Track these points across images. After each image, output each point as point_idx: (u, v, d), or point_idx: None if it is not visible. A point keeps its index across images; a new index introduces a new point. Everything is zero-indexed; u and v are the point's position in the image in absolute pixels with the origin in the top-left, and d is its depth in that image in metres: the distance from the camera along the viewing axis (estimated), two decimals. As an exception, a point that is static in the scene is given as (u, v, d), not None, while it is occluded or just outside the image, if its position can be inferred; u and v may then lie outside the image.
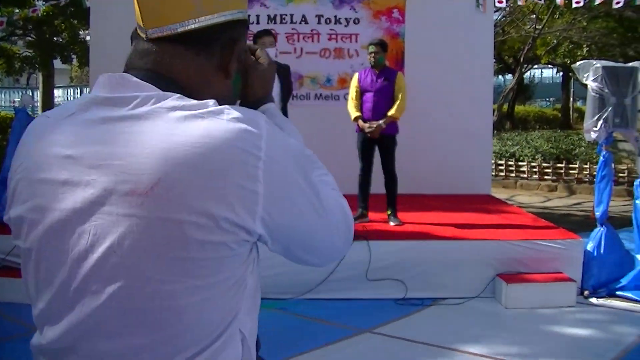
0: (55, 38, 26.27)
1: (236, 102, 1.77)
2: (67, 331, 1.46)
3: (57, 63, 27.98)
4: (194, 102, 1.47)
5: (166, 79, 1.54)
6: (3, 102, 40.16)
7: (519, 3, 16.04)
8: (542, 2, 12.91)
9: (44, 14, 21.67)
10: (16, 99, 36.79)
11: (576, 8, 17.75)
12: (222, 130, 1.41)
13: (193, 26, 1.54)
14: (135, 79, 1.51)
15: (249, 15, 8.98)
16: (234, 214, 1.40)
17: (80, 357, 1.47)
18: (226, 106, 1.47)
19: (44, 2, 17.16)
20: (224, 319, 1.49)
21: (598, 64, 8.17)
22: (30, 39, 26.49)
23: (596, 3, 13.57)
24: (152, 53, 1.56)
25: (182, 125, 1.41)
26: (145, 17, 1.56)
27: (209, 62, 1.60)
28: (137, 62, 1.57)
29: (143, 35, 1.58)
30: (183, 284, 1.41)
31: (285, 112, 8.57)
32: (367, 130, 8.64)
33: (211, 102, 1.47)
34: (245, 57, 1.81)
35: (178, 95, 1.48)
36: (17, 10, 22.60)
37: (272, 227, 1.47)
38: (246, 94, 1.86)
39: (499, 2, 12.91)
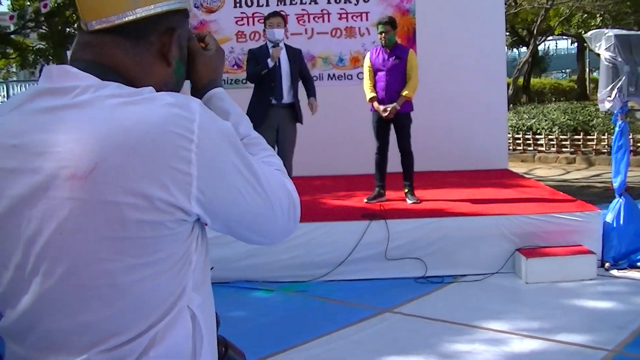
0: (67, 29, 26.35)
1: (180, 88, 1.80)
2: (25, 312, 1.52)
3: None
4: (131, 89, 1.54)
5: (107, 69, 1.59)
6: (20, 95, 40.27)
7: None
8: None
9: (55, 5, 21.72)
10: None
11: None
12: (155, 115, 1.47)
13: (130, 18, 1.59)
14: (75, 69, 1.56)
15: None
16: (168, 194, 1.46)
17: (38, 337, 1.53)
18: (162, 92, 1.54)
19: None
20: (169, 296, 1.54)
21: (610, 32, 8.09)
22: (42, 31, 26.57)
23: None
24: (92, 45, 1.61)
25: (118, 111, 1.47)
26: (85, 10, 1.60)
27: (149, 51, 1.65)
28: (79, 54, 1.62)
29: (84, 28, 1.62)
30: (124, 262, 1.47)
31: (295, 92, 8.52)
32: (382, 113, 8.61)
33: (147, 89, 1.54)
34: (189, 44, 1.85)
35: (117, 84, 1.55)
36: (28, 4, 22.67)
37: (209, 206, 1.54)
38: (193, 80, 1.90)
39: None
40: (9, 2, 26.43)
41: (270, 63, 8.25)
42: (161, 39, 1.66)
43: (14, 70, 41.51)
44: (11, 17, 19.05)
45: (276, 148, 8.34)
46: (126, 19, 1.59)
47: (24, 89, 39.81)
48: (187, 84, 1.89)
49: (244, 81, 9.89)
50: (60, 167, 1.45)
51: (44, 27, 26.15)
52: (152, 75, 1.66)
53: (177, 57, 1.73)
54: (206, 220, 1.57)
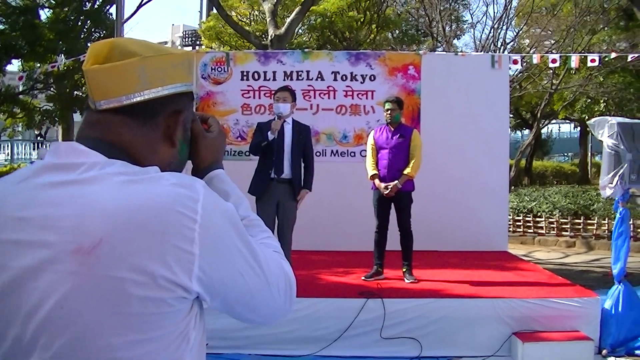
0: (75, 92, 26.55)
1: (183, 168, 1.85)
2: None
3: (77, 116, 28.28)
4: (137, 168, 1.60)
5: (113, 147, 1.63)
6: (24, 154, 40.55)
7: (535, 61, 16.08)
8: (558, 58, 12.82)
9: (65, 68, 21.92)
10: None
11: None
12: (161, 195, 1.51)
13: (138, 99, 1.65)
14: (82, 147, 1.61)
15: (264, 72, 9.08)
16: (171, 272, 1.48)
17: None
18: (167, 172, 1.58)
19: (65, 58, 17.40)
20: None
21: (613, 120, 8.15)
22: (50, 92, 26.77)
23: (612, 57, 13.61)
24: (100, 123, 1.66)
25: (125, 189, 1.51)
26: (94, 89, 1.66)
27: (155, 131, 1.70)
28: (87, 132, 1.67)
29: (92, 107, 1.67)
30: (125, 337, 1.48)
31: (296, 168, 8.46)
32: (383, 191, 8.64)
33: (153, 168, 1.59)
34: (193, 125, 1.90)
35: (123, 162, 1.60)
36: (38, 65, 22.89)
37: (209, 286, 1.56)
38: (195, 161, 1.95)
39: (513, 62, 12.92)
40: (19, 63, 26.69)
41: (270, 136, 8.23)
42: (167, 121, 1.71)
43: (20, 129, 41.77)
44: (20, 78, 19.24)
45: (276, 222, 8.31)
46: (134, 99, 1.64)
47: (27, 147, 40.04)
48: (188, 164, 1.92)
49: (247, 153, 9.93)
50: (65, 241, 1.47)
51: (52, 89, 26.34)
52: (156, 155, 1.70)
53: (181, 138, 1.78)
54: (205, 299, 1.59)
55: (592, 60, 12.26)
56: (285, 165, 8.34)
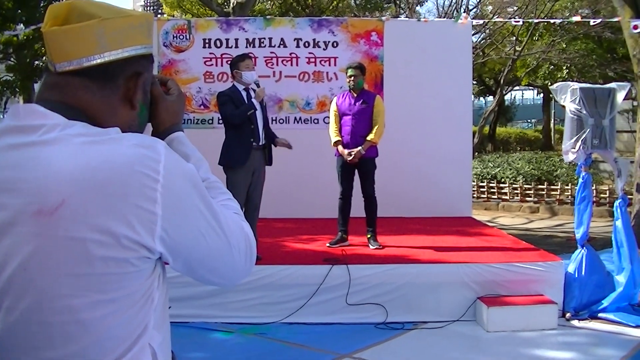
0: (35, 62, 26.23)
1: (143, 131, 1.84)
2: None
3: (38, 87, 27.93)
4: (98, 129, 1.59)
5: (73, 110, 1.61)
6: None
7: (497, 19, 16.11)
8: (520, 21, 12.85)
9: (24, 37, 21.61)
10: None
11: (555, 30, 17.85)
12: (122, 155, 1.51)
13: (98, 61, 1.64)
14: (42, 108, 1.58)
15: (227, 39, 8.95)
16: (133, 232, 1.49)
17: None
18: (128, 133, 1.58)
19: (24, 27, 17.16)
20: (132, 332, 1.56)
21: (575, 85, 8.16)
22: (10, 62, 26.43)
23: (573, 21, 13.67)
24: (60, 86, 1.65)
25: (86, 150, 1.50)
26: (54, 51, 1.64)
27: (114, 94, 1.68)
28: (46, 94, 1.65)
29: (52, 69, 1.65)
30: (88, 298, 1.48)
31: (267, 134, 8.32)
32: (346, 157, 8.61)
33: (114, 129, 1.58)
34: (152, 88, 1.89)
35: (83, 123, 1.59)
36: (-3, 34, 22.56)
37: (171, 246, 1.57)
38: (154, 123, 1.94)
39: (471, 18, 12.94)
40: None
41: (256, 103, 8.07)
42: (127, 83, 1.70)
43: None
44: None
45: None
46: (94, 62, 1.63)
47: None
48: (148, 127, 1.90)
49: (210, 121, 9.82)
50: (27, 203, 1.47)
51: (12, 59, 26.01)
52: (116, 118, 1.69)
53: (141, 100, 1.77)
54: (168, 260, 1.60)
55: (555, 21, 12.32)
56: (261, 132, 8.20)
